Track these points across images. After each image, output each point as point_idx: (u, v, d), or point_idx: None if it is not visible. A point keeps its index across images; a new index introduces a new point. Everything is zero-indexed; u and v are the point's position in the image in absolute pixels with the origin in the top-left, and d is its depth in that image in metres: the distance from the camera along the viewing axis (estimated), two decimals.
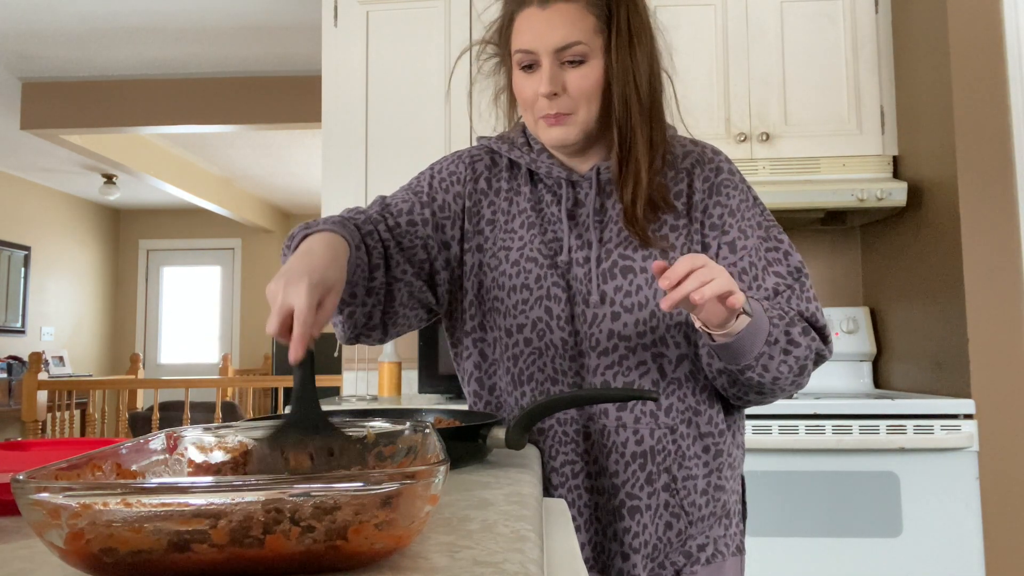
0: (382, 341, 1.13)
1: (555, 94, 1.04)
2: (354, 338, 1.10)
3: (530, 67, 1.06)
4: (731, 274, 1.06)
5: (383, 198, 1.17)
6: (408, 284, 1.10)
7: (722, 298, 0.91)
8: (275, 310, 0.81)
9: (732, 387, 1.05)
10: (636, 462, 1.06)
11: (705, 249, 1.10)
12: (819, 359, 1.09)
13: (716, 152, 1.15)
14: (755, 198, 1.14)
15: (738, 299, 0.91)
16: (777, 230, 1.12)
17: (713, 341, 0.99)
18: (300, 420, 0.75)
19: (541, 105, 1.06)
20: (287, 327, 0.81)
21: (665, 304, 0.89)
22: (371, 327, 1.10)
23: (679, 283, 0.88)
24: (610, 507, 1.06)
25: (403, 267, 1.10)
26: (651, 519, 1.06)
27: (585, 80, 1.04)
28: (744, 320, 0.96)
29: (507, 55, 1.10)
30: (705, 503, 1.08)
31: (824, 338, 1.09)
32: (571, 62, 1.04)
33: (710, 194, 1.11)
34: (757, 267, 1.09)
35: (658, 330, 1.07)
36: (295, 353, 0.78)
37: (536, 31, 1.04)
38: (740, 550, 1.13)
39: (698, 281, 0.88)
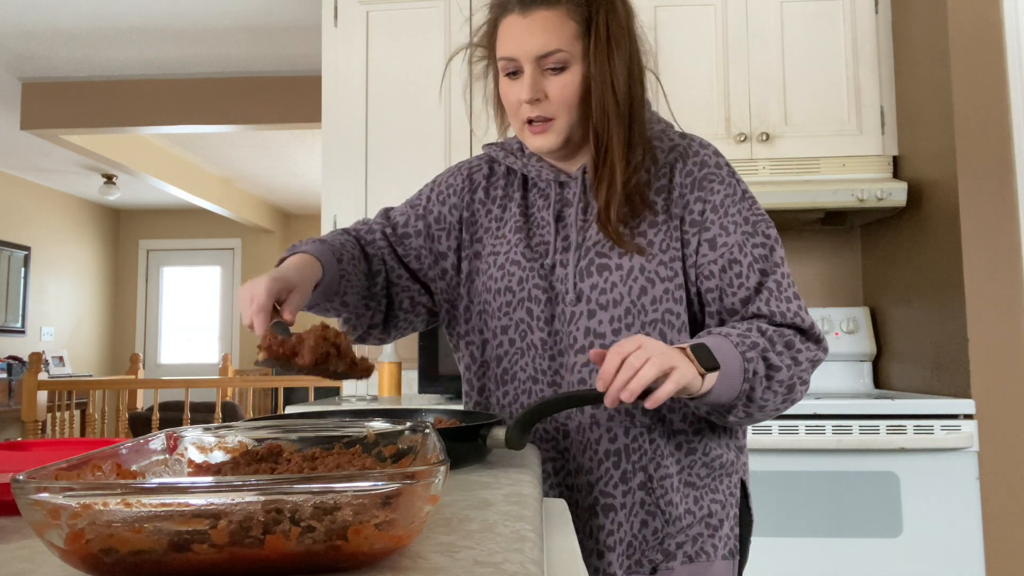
0: (384, 341, 1.21)
1: (537, 100, 1.06)
2: (358, 338, 1.19)
3: (514, 73, 1.08)
4: (710, 272, 1.06)
5: (387, 210, 1.25)
6: (406, 289, 1.19)
7: (666, 373, 0.90)
8: (242, 304, 0.95)
9: (723, 420, 1.05)
10: (609, 460, 1.07)
11: (684, 246, 1.09)
12: (815, 363, 1.06)
13: (704, 145, 1.13)
14: (744, 191, 1.11)
15: (682, 376, 0.90)
16: (765, 225, 1.09)
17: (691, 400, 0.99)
18: None
19: (524, 110, 1.08)
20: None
21: (608, 403, 0.91)
22: (373, 325, 1.18)
23: (614, 379, 0.89)
24: (585, 505, 1.07)
25: (398, 272, 1.18)
26: (626, 517, 1.07)
27: (566, 88, 1.06)
28: (712, 378, 0.95)
29: (493, 60, 1.12)
30: (681, 500, 1.08)
31: (815, 339, 1.06)
32: (553, 69, 1.05)
33: (691, 189, 1.09)
34: (742, 264, 1.06)
35: (633, 327, 1.07)
36: (258, 330, 0.94)
37: (517, 39, 1.05)
38: (733, 554, 1.11)
39: (629, 371, 0.88)
